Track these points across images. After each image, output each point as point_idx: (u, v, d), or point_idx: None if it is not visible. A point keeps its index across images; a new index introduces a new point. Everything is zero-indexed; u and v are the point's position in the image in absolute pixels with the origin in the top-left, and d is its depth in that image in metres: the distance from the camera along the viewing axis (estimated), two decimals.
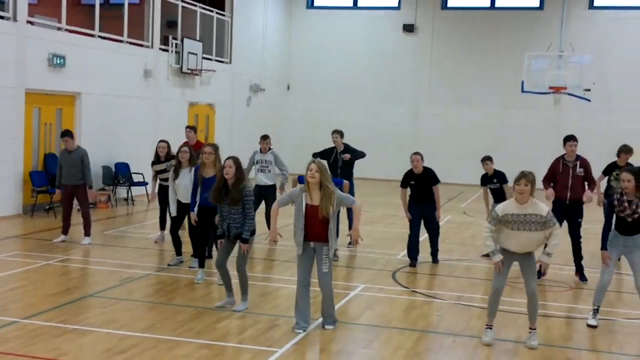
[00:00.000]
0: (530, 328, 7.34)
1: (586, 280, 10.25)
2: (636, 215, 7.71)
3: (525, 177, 7.00)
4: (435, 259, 11.25)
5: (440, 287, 9.89)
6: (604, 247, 7.88)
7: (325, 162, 7.75)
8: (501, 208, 7.16)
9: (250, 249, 8.15)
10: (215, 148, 9.47)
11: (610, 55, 24.35)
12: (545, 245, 7.25)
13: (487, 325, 7.42)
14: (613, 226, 7.89)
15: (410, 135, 26.58)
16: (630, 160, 11.63)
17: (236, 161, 8.06)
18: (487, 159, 11.97)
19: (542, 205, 7.04)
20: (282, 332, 7.40)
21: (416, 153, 11.07)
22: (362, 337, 7.55)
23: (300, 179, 10.69)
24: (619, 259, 9.35)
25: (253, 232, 8.14)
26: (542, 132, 24.48)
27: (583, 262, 10.39)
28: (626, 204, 7.72)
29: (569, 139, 10.44)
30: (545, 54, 23.51)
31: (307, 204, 7.31)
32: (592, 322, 8.05)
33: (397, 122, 26.63)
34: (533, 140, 24.68)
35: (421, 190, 10.99)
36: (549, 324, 8.20)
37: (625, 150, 11.79)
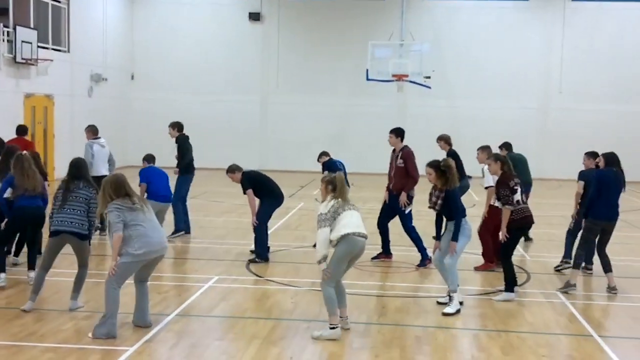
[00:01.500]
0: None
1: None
2: (437, 208, 8.20)
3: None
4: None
5: (294, 275, 9.94)
6: (437, 237, 8.38)
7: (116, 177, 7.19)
8: None
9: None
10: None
11: (446, 43, 25.51)
12: None
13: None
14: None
15: (259, 124, 26.62)
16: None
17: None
18: (321, 155, 12.14)
19: (323, 204, 7.24)
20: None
21: (227, 171, 10.80)
22: (217, 329, 7.46)
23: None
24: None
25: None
26: (387, 119, 25.14)
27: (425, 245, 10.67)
28: (430, 196, 8.29)
29: (390, 131, 10.74)
30: (387, 43, 24.23)
31: None
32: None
33: (246, 111, 26.53)
34: (378, 128, 25.32)
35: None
36: (398, 304, 8.47)
37: (437, 139, 12.27)
